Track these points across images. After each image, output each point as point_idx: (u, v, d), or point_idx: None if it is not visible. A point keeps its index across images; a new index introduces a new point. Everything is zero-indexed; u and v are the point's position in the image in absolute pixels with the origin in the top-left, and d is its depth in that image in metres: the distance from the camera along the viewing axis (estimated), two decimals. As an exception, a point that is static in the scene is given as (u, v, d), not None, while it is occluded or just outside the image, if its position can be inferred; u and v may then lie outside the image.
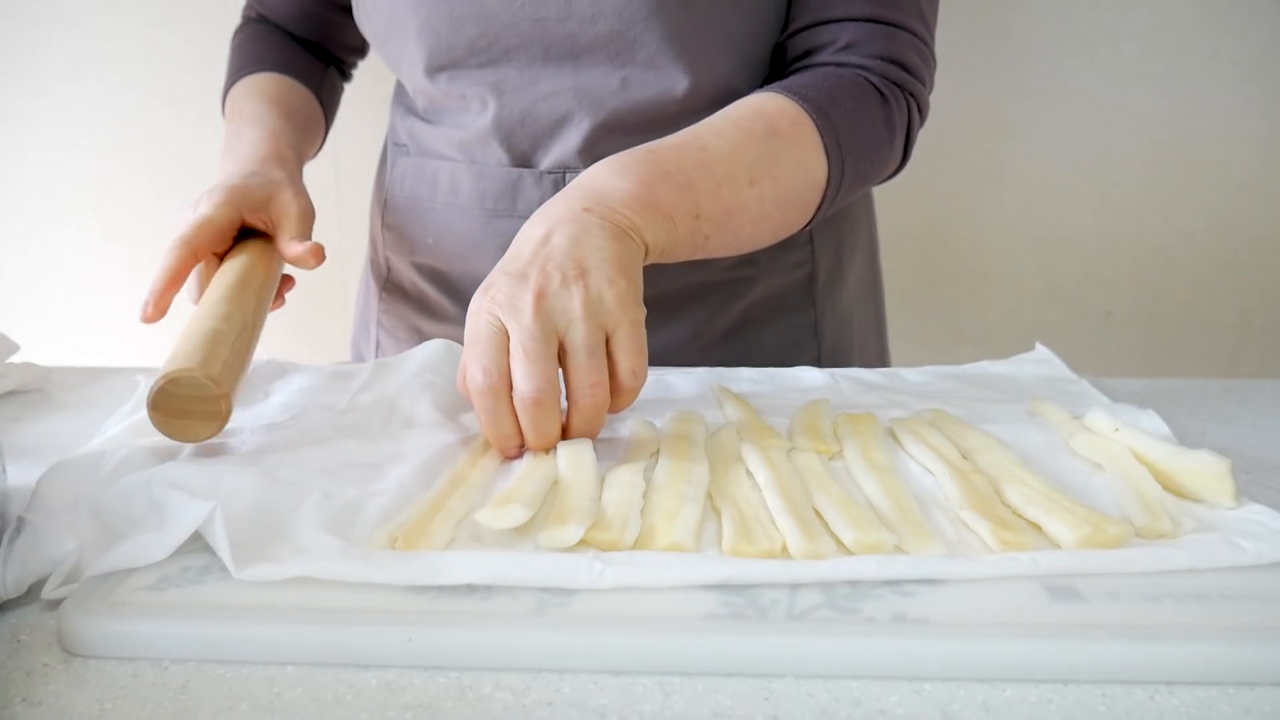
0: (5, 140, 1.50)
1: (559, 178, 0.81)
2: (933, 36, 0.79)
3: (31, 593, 0.44)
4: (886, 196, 1.06)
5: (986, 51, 1.42)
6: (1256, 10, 1.39)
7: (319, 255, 0.72)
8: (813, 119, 0.70)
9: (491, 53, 0.79)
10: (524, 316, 0.55)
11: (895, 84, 0.75)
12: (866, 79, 0.74)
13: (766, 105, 0.70)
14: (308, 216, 0.75)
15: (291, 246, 0.72)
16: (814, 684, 0.38)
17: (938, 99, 0.83)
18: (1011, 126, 1.46)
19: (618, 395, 0.57)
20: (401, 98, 0.92)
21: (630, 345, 0.57)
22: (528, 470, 0.53)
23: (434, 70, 0.81)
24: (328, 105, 0.97)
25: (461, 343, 0.88)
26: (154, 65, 1.46)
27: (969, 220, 1.50)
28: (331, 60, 0.99)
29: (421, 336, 0.92)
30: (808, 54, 0.77)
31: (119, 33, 1.44)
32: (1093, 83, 1.43)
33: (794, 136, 0.69)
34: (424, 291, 0.92)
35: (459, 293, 0.90)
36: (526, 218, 0.82)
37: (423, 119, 0.88)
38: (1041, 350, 0.79)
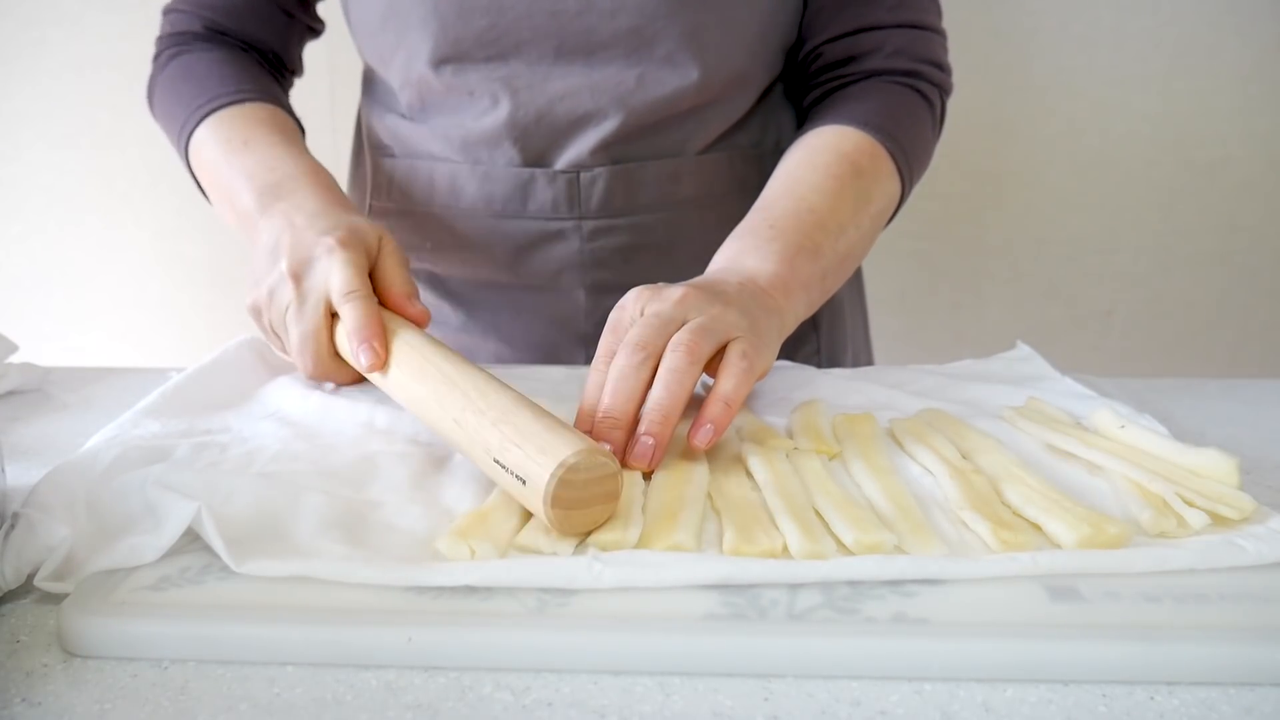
0: (5, 140, 1.50)
1: (573, 177, 0.81)
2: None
3: (31, 593, 0.44)
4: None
5: (986, 51, 1.42)
6: (1256, 10, 1.39)
7: (428, 320, 0.67)
8: (886, 148, 0.75)
9: (501, 46, 0.77)
10: (665, 304, 0.58)
11: (935, 85, 0.81)
12: (913, 86, 0.80)
13: (844, 145, 0.75)
14: (407, 264, 0.69)
15: (414, 304, 0.66)
16: (814, 684, 0.38)
17: (937, 99, 0.84)
18: (1011, 126, 1.45)
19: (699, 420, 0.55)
20: (379, 97, 0.89)
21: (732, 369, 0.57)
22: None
23: (438, 63, 0.78)
24: None
25: (460, 348, 0.89)
26: (154, 65, 1.47)
27: (969, 220, 1.50)
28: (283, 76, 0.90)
29: None
30: (852, 59, 0.81)
31: (119, 33, 1.44)
32: (1093, 83, 1.43)
33: (875, 170, 0.74)
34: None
35: (461, 296, 0.88)
36: (537, 219, 0.82)
37: (407, 118, 0.85)
38: (1022, 348, 0.79)
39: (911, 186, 0.79)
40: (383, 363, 0.60)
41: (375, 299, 0.64)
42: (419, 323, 0.65)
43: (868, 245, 0.77)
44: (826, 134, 0.76)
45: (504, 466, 0.48)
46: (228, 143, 0.77)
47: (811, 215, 0.69)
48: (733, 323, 0.58)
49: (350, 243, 0.65)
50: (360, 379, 0.67)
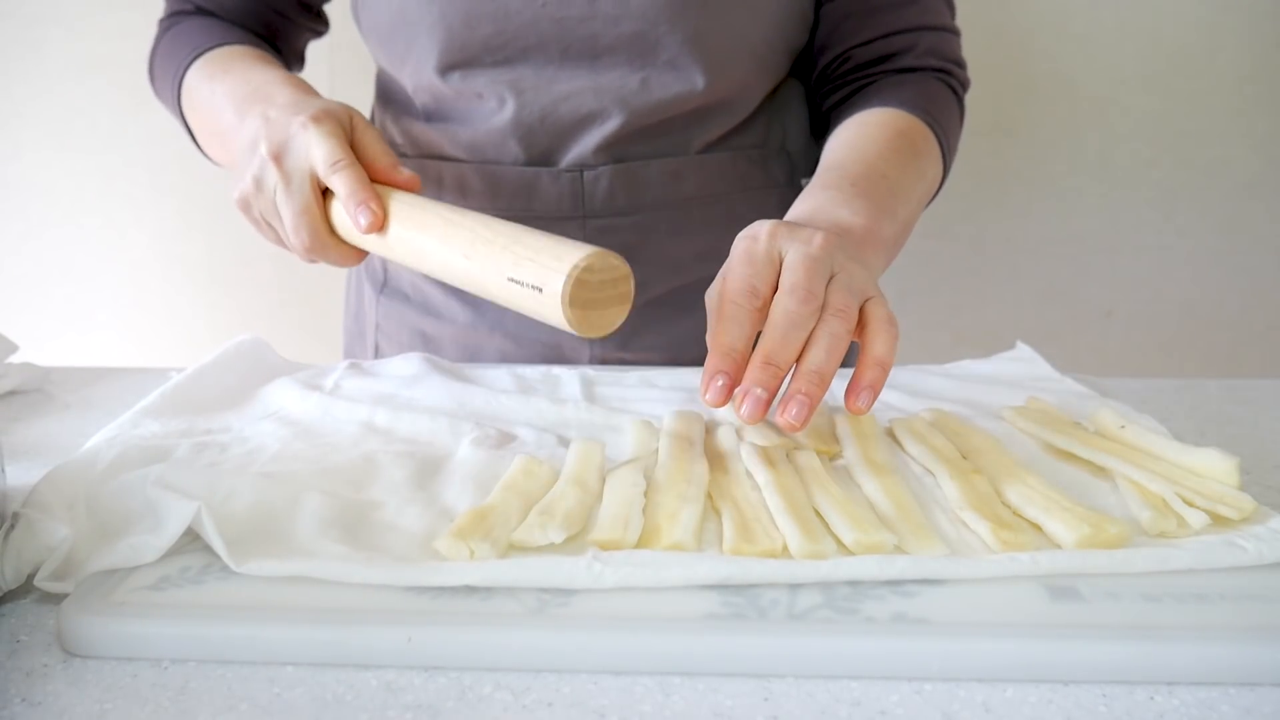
0: (5, 140, 1.50)
1: (576, 176, 0.82)
2: None
3: (31, 593, 0.44)
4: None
5: (986, 51, 1.42)
6: (1256, 10, 1.39)
7: (418, 184, 0.67)
8: (934, 132, 0.78)
9: (507, 51, 0.78)
10: (812, 246, 0.55)
11: (960, 82, 0.86)
12: (946, 82, 0.83)
13: (901, 125, 0.77)
14: (383, 137, 0.70)
15: (401, 172, 0.67)
16: (814, 684, 0.38)
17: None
18: (1011, 126, 1.45)
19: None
20: (393, 98, 0.90)
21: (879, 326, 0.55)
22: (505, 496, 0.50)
23: (446, 69, 0.80)
24: None
25: (467, 344, 0.89)
26: (154, 65, 1.46)
27: (969, 220, 1.50)
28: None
29: (425, 339, 0.91)
30: (884, 59, 0.84)
31: (119, 33, 1.44)
32: (1093, 83, 1.43)
33: (927, 152, 0.77)
34: (427, 294, 0.90)
35: (468, 294, 0.88)
36: (542, 218, 0.82)
37: (422, 119, 0.86)
38: (1023, 349, 0.80)
39: (949, 170, 0.82)
40: (382, 221, 0.62)
41: (361, 166, 0.65)
42: (409, 188, 0.66)
43: (914, 224, 0.77)
44: (881, 114, 0.78)
45: (519, 282, 0.51)
46: (210, 76, 0.79)
47: (884, 180, 0.70)
48: (866, 279, 0.57)
49: (323, 118, 0.66)
50: (359, 257, 0.68)
